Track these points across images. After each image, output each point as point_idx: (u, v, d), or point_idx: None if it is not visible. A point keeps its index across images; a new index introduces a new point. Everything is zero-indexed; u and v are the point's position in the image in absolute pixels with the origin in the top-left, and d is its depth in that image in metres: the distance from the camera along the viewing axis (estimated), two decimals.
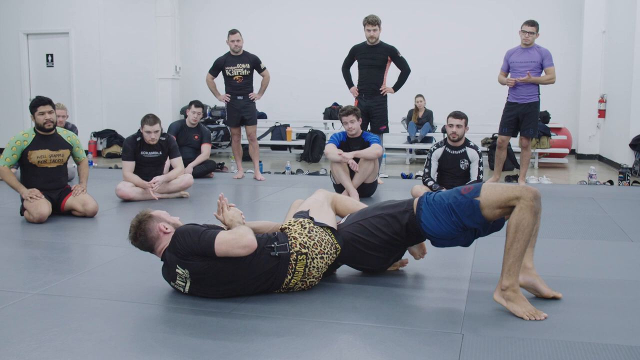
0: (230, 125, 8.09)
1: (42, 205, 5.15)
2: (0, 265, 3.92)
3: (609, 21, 11.03)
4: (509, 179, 8.43)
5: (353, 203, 3.61)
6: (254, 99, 7.93)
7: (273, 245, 3.06)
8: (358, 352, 2.56)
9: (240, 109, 7.88)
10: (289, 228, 3.23)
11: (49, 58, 11.81)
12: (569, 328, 2.80)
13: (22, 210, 5.28)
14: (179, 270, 3.02)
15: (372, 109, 7.42)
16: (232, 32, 7.73)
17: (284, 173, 9.05)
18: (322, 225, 3.25)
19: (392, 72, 7.61)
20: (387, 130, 7.60)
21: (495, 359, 2.47)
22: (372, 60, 7.41)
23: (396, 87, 7.54)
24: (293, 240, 3.12)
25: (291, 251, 3.09)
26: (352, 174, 6.33)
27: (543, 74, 7.01)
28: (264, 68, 7.89)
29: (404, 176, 8.81)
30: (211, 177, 8.16)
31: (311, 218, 3.27)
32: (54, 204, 5.37)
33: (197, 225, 3.09)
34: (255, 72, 7.87)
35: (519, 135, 7.38)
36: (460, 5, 12.28)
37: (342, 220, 3.47)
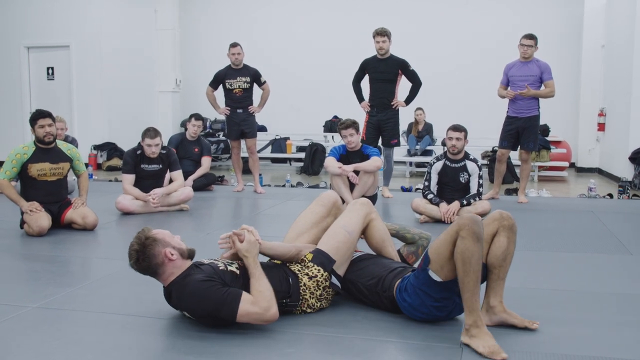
0: (230, 138, 8.10)
1: (42, 219, 5.15)
2: (0, 278, 3.92)
3: (608, 35, 11.08)
4: (508, 192, 8.43)
5: (380, 238, 3.40)
6: (253, 112, 7.94)
7: (284, 302, 3.02)
8: None
9: (240, 122, 7.89)
10: (304, 283, 3.09)
11: (50, 71, 11.85)
12: (568, 341, 2.79)
13: (22, 223, 5.28)
14: (186, 314, 2.97)
15: (383, 123, 7.43)
16: (233, 45, 7.77)
17: (284, 186, 9.05)
18: (335, 289, 3.20)
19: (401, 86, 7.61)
20: (398, 144, 7.63)
21: None
22: (383, 74, 7.41)
23: (408, 101, 7.57)
24: (303, 301, 3.10)
25: (297, 307, 3.11)
26: (352, 187, 6.33)
27: (542, 87, 7.03)
28: (264, 82, 7.92)
29: (403, 189, 8.81)
30: (211, 190, 8.16)
31: (331, 273, 3.15)
32: (54, 217, 5.37)
33: (209, 280, 2.82)
34: (255, 85, 7.90)
35: (519, 148, 7.39)
36: (461, 21, 12.33)
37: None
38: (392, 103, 7.44)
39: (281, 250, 3.18)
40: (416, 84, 7.51)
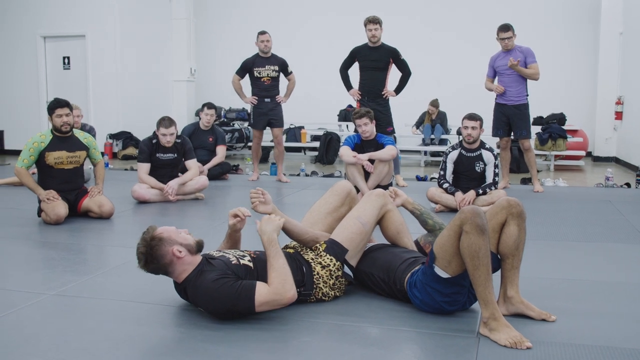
0: (257, 128, 8.06)
1: (59, 207, 5.19)
2: (17, 266, 3.96)
3: (626, 23, 10.94)
4: (524, 181, 8.38)
5: (396, 229, 3.39)
6: (280, 102, 7.95)
7: (298, 290, 2.99)
8: (373, 353, 2.55)
9: (268, 111, 7.91)
10: (317, 272, 3.10)
11: (66, 60, 11.91)
12: (585, 331, 2.77)
13: (40, 211, 5.33)
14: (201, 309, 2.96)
15: (375, 112, 7.39)
16: (262, 32, 7.76)
17: (298, 175, 9.05)
18: (347, 278, 3.21)
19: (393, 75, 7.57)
20: (394, 131, 7.61)
21: None
22: (374, 62, 7.37)
23: (397, 91, 7.53)
24: (317, 289, 3.10)
25: (312, 296, 3.11)
26: (367, 176, 6.32)
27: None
28: (291, 72, 7.94)
29: (418, 178, 8.77)
30: (226, 178, 8.18)
31: (343, 263, 3.16)
32: (71, 205, 5.41)
33: (221, 278, 2.79)
34: (280, 75, 7.89)
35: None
36: (475, 8, 12.22)
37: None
38: (382, 92, 7.41)
39: (298, 230, 3.21)
40: (406, 73, 7.49)
